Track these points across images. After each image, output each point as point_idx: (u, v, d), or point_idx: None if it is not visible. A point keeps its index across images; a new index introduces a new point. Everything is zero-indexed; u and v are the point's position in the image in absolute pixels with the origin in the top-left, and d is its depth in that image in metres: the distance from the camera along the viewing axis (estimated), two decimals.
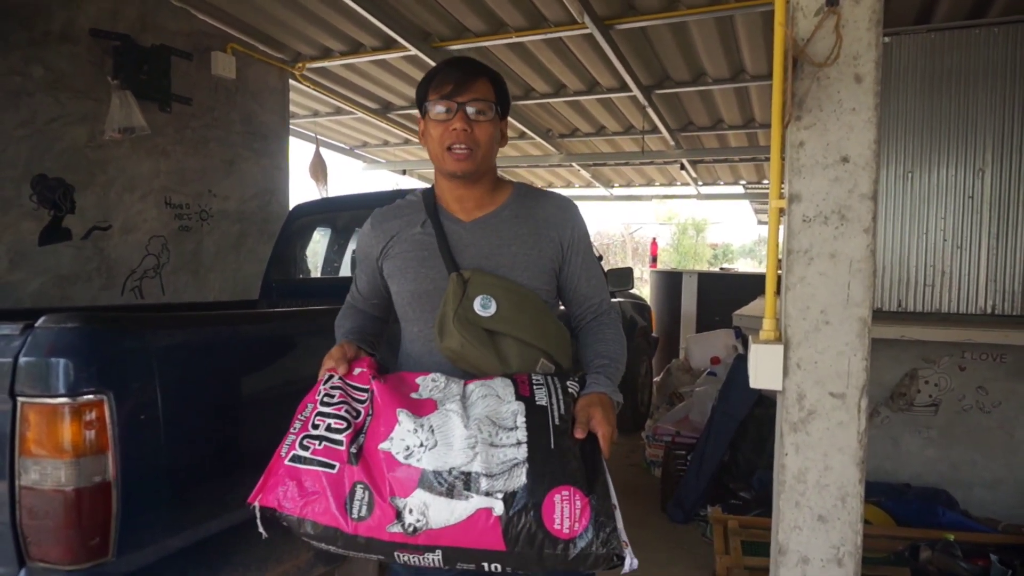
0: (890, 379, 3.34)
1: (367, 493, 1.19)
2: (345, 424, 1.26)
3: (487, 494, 1.17)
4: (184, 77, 4.45)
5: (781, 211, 1.74)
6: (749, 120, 6.84)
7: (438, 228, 1.49)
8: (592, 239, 1.66)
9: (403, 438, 1.23)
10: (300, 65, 5.49)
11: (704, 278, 8.13)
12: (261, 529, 1.21)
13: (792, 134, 1.74)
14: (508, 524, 1.15)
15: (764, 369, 1.76)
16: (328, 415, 1.28)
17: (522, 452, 1.21)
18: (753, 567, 2.62)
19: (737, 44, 4.92)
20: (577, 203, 1.60)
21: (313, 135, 7.17)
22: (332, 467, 1.21)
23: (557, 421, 1.27)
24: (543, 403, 1.30)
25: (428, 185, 1.64)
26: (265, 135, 5.28)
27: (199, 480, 1.57)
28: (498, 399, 1.29)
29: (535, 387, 1.34)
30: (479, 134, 1.43)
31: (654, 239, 12.70)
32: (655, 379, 6.52)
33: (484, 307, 1.39)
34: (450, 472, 1.18)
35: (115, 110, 3.89)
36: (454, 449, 1.20)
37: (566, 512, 1.17)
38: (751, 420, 3.66)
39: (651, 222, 30.81)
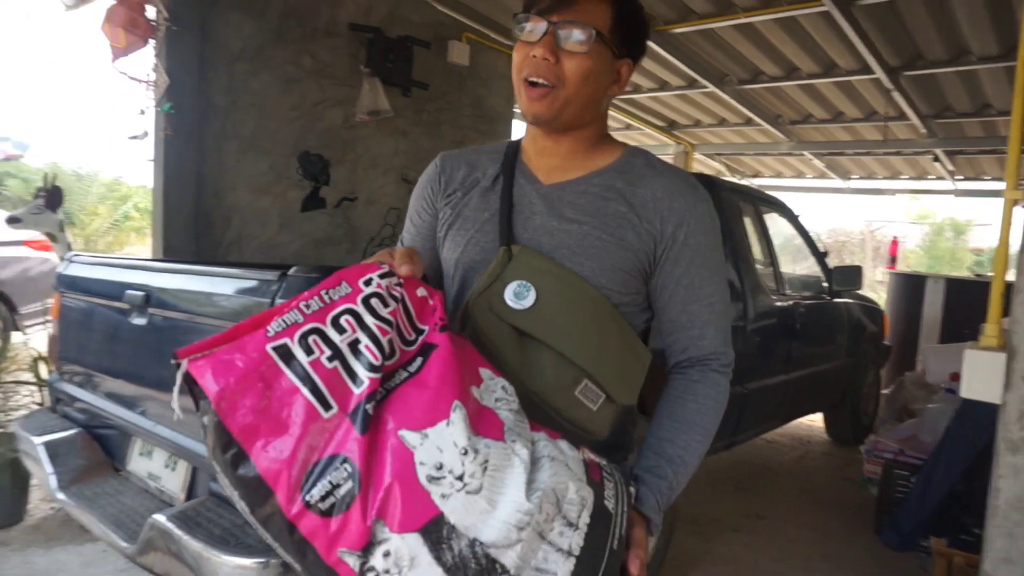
0: None
1: (350, 486, 0.77)
2: (379, 357, 0.83)
3: None
4: (423, 64, 4.89)
5: (1016, 203, 1.54)
6: None
7: (507, 188, 1.13)
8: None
9: (442, 448, 0.80)
10: None
11: (953, 284, 7.17)
12: (178, 395, 0.79)
13: None
14: None
15: (981, 378, 1.58)
16: (364, 327, 0.84)
17: (565, 569, 0.83)
18: None
19: (1011, 13, 4.27)
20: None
21: None
22: (327, 407, 0.79)
23: (615, 544, 0.90)
24: (611, 507, 0.91)
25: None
26: (492, 118, 5.64)
27: None
28: (568, 471, 0.88)
29: (605, 478, 0.94)
30: (568, 68, 1.05)
31: (895, 238, 11.42)
32: (883, 391, 5.96)
33: (518, 296, 1.01)
34: (471, 544, 0.78)
35: (365, 95, 4.42)
36: (496, 513, 0.80)
37: None
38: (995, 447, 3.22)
39: (900, 220, 27.64)
